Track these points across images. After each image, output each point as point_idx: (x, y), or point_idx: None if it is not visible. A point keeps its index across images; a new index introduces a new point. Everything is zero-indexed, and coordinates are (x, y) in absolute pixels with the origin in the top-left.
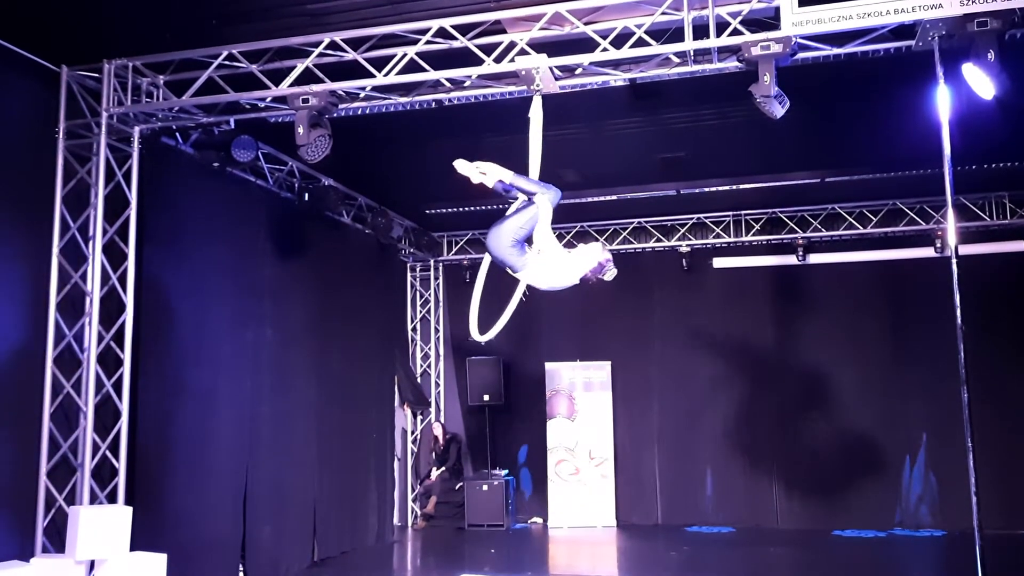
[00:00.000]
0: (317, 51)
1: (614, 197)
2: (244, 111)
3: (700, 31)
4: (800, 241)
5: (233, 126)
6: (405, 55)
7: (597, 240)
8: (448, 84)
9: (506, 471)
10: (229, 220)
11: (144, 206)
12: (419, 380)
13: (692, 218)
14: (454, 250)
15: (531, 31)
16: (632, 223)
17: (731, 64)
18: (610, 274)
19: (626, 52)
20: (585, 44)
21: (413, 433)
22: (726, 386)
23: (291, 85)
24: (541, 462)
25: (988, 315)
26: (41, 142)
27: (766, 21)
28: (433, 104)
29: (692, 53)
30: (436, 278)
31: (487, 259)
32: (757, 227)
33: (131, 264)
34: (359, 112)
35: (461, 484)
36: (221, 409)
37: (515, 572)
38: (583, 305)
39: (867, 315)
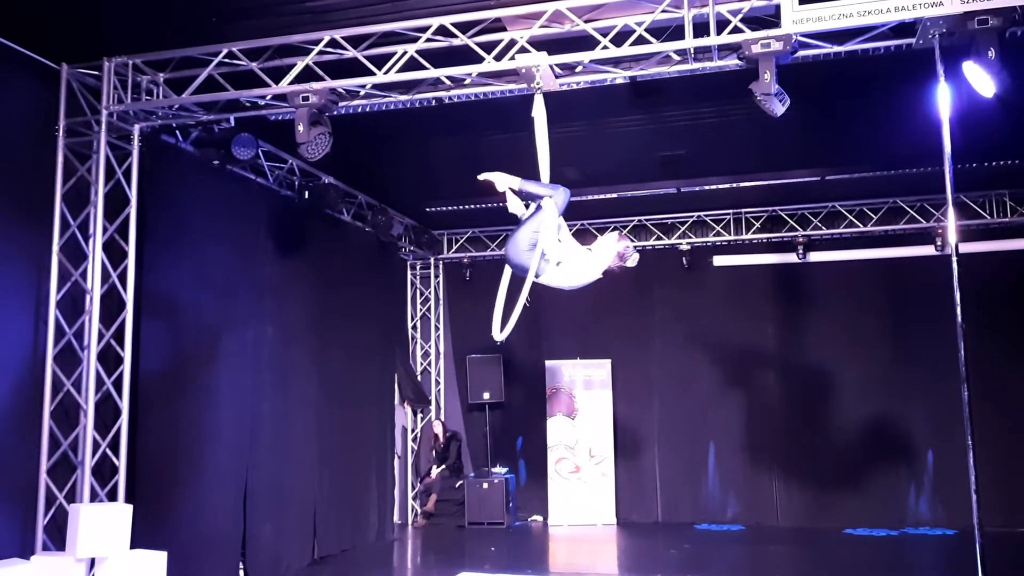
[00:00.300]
0: (317, 49)
1: (614, 195)
2: (244, 109)
3: (700, 29)
4: (800, 239)
5: (233, 124)
6: (405, 53)
7: (612, 233)
8: (448, 82)
9: (506, 469)
10: (229, 218)
11: (144, 204)
12: (419, 378)
13: (692, 216)
14: (454, 248)
15: (531, 29)
16: (632, 221)
17: (731, 62)
18: (632, 260)
19: (626, 50)
20: (585, 42)
21: (413, 431)
22: (726, 384)
23: (291, 83)
24: (541, 460)
25: (988, 313)
26: (41, 140)
27: (766, 19)
28: (433, 102)
29: (692, 51)
30: (436, 276)
31: (508, 269)
32: (757, 225)
33: (131, 262)
34: (359, 110)
35: (461, 482)
36: (221, 407)
37: (515, 570)
38: (583, 303)
39: (867, 313)
